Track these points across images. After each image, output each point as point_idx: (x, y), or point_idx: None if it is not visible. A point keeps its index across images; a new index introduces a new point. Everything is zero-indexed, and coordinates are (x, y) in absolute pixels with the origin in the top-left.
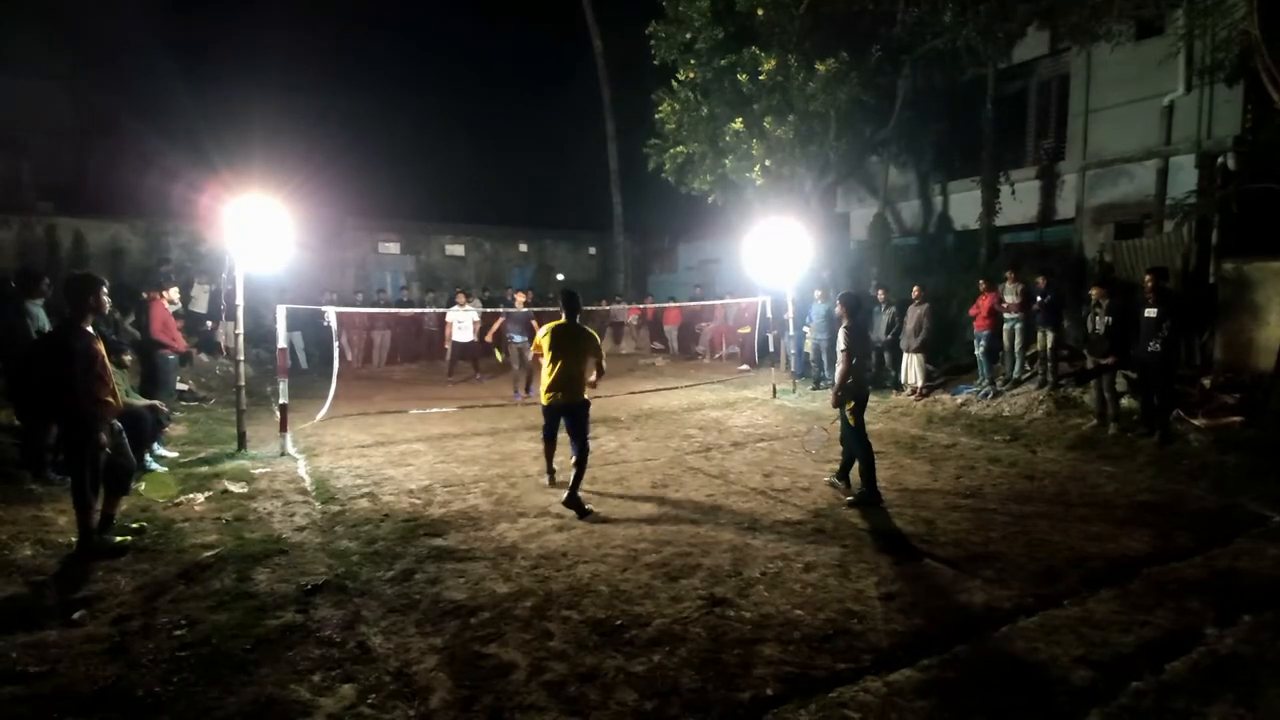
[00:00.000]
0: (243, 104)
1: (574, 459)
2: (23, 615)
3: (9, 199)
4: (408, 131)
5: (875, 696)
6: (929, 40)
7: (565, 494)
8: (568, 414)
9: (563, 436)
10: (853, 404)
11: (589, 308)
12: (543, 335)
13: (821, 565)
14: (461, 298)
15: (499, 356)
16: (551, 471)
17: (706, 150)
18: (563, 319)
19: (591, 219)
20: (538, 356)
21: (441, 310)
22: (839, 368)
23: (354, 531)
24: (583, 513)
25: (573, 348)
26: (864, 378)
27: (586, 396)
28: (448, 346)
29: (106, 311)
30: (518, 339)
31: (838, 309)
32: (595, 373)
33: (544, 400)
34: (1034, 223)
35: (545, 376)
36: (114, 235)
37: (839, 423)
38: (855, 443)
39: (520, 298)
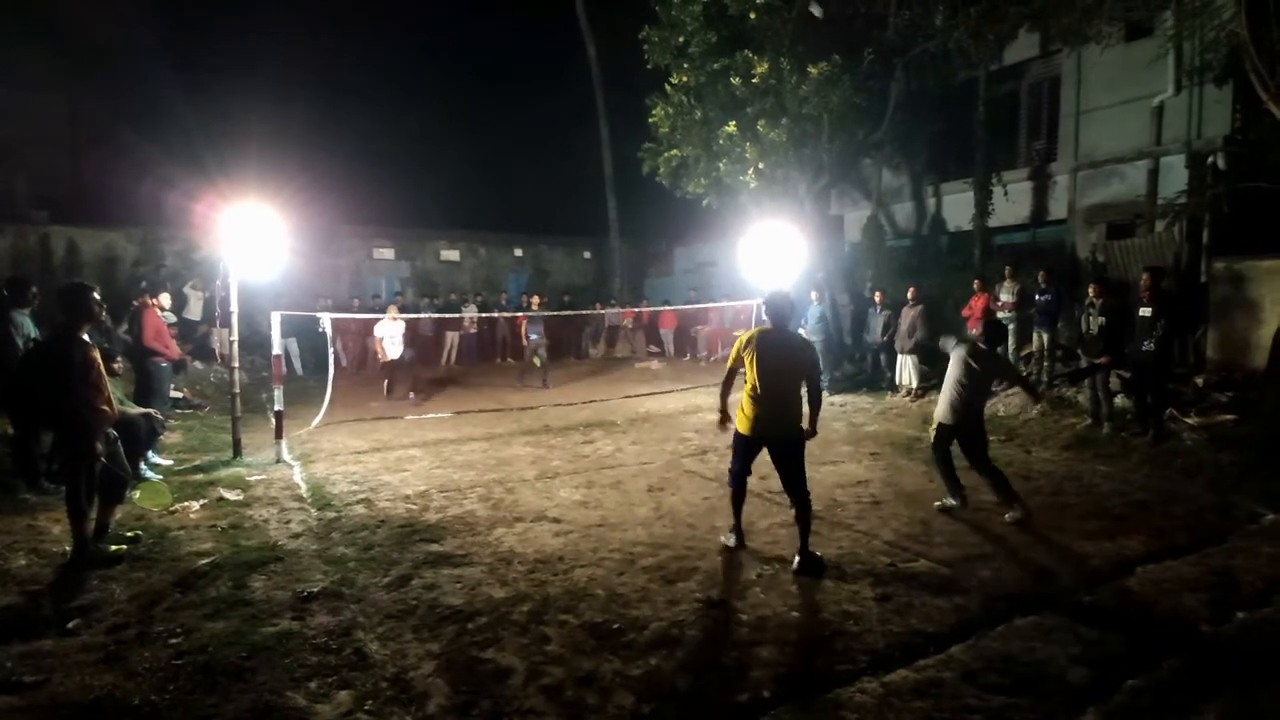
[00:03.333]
0: (237, 111)
1: (795, 509)
2: (18, 624)
3: (3, 208)
4: (402, 137)
5: (872, 697)
6: (921, 43)
7: (797, 560)
8: (779, 448)
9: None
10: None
11: (584, 311)
12: (744, 346)
13: None
14: (392, 309)
15: (536, 362)
16: (739, 530)
17: (701, 154)
18: (768, 324)
19: (587, 223)
20: (738, 370)
21: (442, 315)
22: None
23: (350, 538)
24: (821, 570)
25: (785, 362)
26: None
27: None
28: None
29: (102, 319)
30: (534, 336)
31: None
32: (810, 401)
33: (744, 430)
34: (1027, 223)
35: (747, 399)
36: (109, 243)
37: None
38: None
39: (535, 300)
